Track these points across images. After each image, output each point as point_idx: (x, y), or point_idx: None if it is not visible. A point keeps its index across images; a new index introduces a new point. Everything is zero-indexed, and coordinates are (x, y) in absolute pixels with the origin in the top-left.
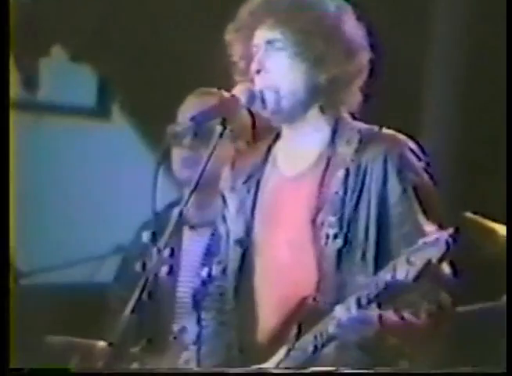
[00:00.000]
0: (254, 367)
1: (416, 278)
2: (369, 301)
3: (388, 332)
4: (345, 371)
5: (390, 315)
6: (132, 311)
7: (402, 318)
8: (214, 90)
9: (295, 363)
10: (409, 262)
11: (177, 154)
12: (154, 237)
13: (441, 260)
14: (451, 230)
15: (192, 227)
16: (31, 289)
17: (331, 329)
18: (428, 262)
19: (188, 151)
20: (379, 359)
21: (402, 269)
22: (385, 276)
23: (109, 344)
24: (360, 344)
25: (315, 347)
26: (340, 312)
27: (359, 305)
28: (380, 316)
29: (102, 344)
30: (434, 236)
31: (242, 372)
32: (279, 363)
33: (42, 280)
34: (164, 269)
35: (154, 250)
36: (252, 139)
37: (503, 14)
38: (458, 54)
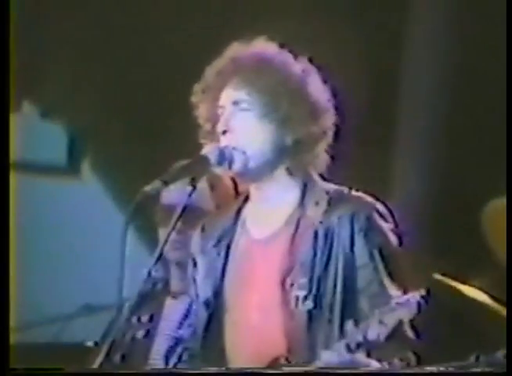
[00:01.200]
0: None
1: (388, 338)
2: (358, 347)
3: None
4: (345, 371)
5: (375, 363)
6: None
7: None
8: None
9: None
10: (381, 322)
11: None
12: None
13: (412, 320)
14: (423, 292)
15: (173, 297)
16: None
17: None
18: (399, 323)
19: (175, 234)
20: None
21: (374, 329)
22: (358, 335)
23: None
24: None
25: None
26: (329, 355)
27: (349, 349)
28: (368, 363)
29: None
30: (405, 298)
31: (242, 372)
32: None
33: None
34: (141, 333)
35: (132, 317)
36: (223, 201)
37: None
38: (431, 112)
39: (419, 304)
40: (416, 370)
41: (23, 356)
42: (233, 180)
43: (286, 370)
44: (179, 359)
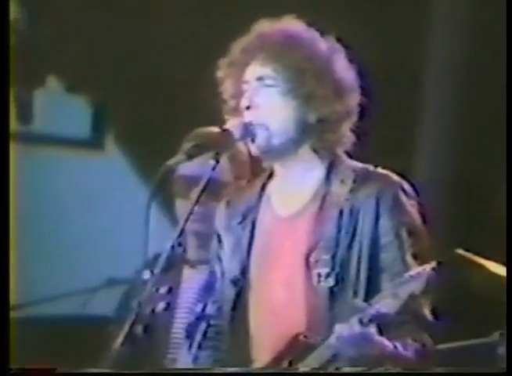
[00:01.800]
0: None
1: (399, 311)
2: (371, 321)
3: (383, 356)
4: (345, 372)
5: (386, 340)
6: (123, 344)
7: (395, 347)
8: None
9: None
10: (393, 295)
11: (182, 207)
12: (152, 273)
13: (424, 293)
14: (433, 264)
15: (191, 266)
16: (23, 321)
17: (334, 344)
18: (412, 296)
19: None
20: None
21: (387, 302)
22: (370, 309)
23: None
24: (354, 361)
25: None
26: (341, 328)
27: (361, 323)
28: (380, 337)
29: (66, 369)
30: (417, 270)
31: (242, 372)
32: None
33: (34, 311)
34: (161, 305)
35: (151, 287)
36: (248, 176)
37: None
38: (454, 93)
39: (429, 275)
40: (416, 370)
41: (47, 328)
42: (251, 156)
43: (287, 370)
44: (204, 335)
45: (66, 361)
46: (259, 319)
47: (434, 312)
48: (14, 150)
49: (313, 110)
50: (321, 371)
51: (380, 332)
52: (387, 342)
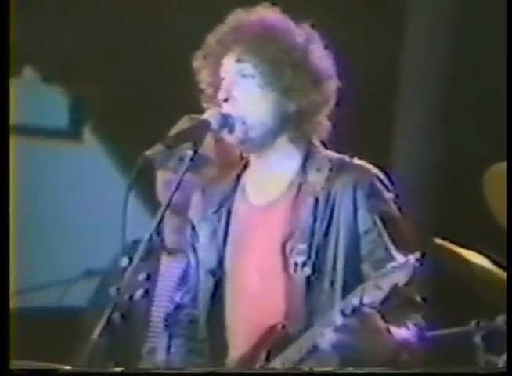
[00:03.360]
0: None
1: (383, 302)
2: (354, 312)
3: (378, 344)
4: (345, 371)
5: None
6: (100, 335)
7: (388, 330)
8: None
9: None
10: (376, 286)
11: (160, 177)
12: (130, 262)
13: (407, 284)
14: (417, 255)
15: (169, 253)
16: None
17: (312, 342)
18: (395, 287)
19: (172, 174)
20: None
21: (370, 294)
22: (353, 300)
23: (75, 368)
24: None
25: None
26: (323, 323)
27: (344, 314)
28: (387, 326)
29: (67, 368)
30: (401, 261)
31: (242, 372)
32: None
33: (12, 303)
34: (139, 292)
35: (129, 273)
36: (222, 166)
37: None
38: (435, 79)
39: (413, 267)
40: (416, 370)
41: (25, 320)
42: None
43: (287, 370)
44: (179, 324)
45: (45, 353)
46: (236, 308)
47: (421, 297)
48: None
49: (292, 102)
50: (321, 371)
51: (384, 320)
52: (379, 327)
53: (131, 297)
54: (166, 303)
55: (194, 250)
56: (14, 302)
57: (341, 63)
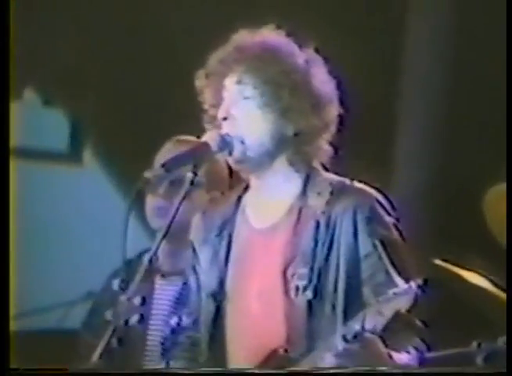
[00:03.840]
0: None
1: (385, 329)
2: (355, 338)
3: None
4: (345, 371)
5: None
6: (100, 357)
7: (390, 356)
8: (191, 138)
9: None
10: (378, 312)
11: (150, 202)
12: (125, 285)
13: (409, 311)
14: (420, 281)
15: (163, 276)
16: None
17: (315, 359)
18: (397, 313)
19: (161, 200)
20: None
21: (372, 319)
22: (354, 326)
23: (76, 369)
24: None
25: None
26: (325, 348)
27: (345, 340)
28: (388, 351)
29: (69, 369)
30: (403, 287)
31: (242, 372)
32: None
33: (13, 325)
34: (135, 317)
35: (124, 298)
36: (226, 188)
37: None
38: (433, 104)
39: (416, 294)
40: (417, 370)
41: (26, 342)
42: (230, 169)
43: (287, 370)
44: (179, 347)
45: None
46: (237, 332)
47: (422, 321)
48: None
49: (290, 124)
50: (321, 371)
51: (385, 344)
52: (380, 353)
53: (126, 322)
54: (161, 327)
55: (195, 272)
56: (13, 325)
57: (343, 90)
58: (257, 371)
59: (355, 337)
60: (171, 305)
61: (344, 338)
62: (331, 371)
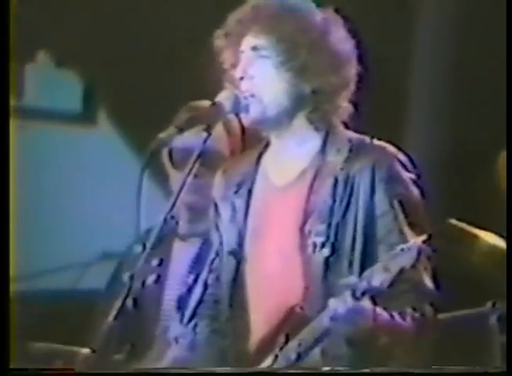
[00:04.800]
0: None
1: (391, 285)
2: (363, 294)
3: (380, 328)
4: (345, 371)
5: (381, 311)
6: (115, 318)
7: (392, 317)
8: (205, 102)
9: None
10: (385, 268)
11: (176, 179)
12: (144, 247)
13: (413, 266)
14: (424, 237)
15: (182, 239)
16: (17, 295)
17: (325, 322)
18: (402, 269)
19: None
20: (368, 363)
21: (378, 276)
22: (363, 281)
23: (93, 350)
24: (351, 340)
25: (299, 354)
26: (335, 303)
27: (354, 297)
28: (374, 309)
29: (85, 351)
30: (408, 244)
31: (241, 372)
32: None
33: (28, 286)
34: (152, 278)
35: (142, 259)
36: (243, 147)
37: (500, 20)
38: (450, 63)
39: (419, 249)
40: (417, 370)
41: (40, 302)
42: (243, 128)
43: (287, 370)
44: (201, 303)
45: (59, 336)
46: (256, 289)
47: (435, 280)
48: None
49: (307, 82)
50: (321, 371)
51: (375, 303)
52: (382, 313)
53: (143, 283)
54: (178, 286)
55: (217, 229)
56: (29, 286)
57: (362, 48)
58: (257, 371)
59: (363, 294)
60: (189, 265)
61: (354, 295)
62: (331, 371)
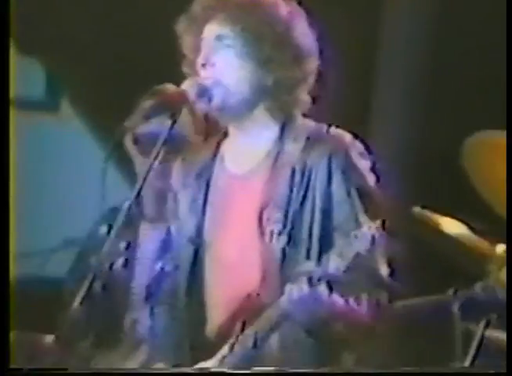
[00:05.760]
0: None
1: (346, 270)
2: (319, 280)
3: (335, 314)
4: (345, 371)
5: (337, 298)
6: (81, 303)
7: (347, 302)
8: (170, 86)
9: (237, 359)
10: (339, 254)
11: (142, 165)
12: (109, 231)
13: (370, 252)
14: (378, 223)
15: (149, 221)
16: None
17: (283, 305)
18: (357, 255)
19: (157, 164)
20: (324, 350)
21: (334, 262)
22: (318, 268)
23: (56, 337)
24: (307, 327)
25: (255, 342)
26: (291, 289)
27: (310, 283)
28: (330, 295)
29: (49, 338)
30: (362, 230)
31: (241, 372)
32: (222, 359)
33: None
34: (120, 262)
35: (108, 243)
36: (203, 135)
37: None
38: (415, 55)
39: (373, 235)
40: (417, 370)
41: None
42: (206, 116)
43: (282, 370)
44: (163, 291)
45: (25, 324)
46: (214, 277)
47: (390, 268)
48: None
49: (269, 74)
50: (321, 371)
51: (330, 290)
52: (338, 300)
53: (111, 266)
54: (146, 272)
55: (176, 217)
56: None
57: (324, 42)
58: (258, 371)
59: (318, 280)
60: (156, 250)
61: (310, 281)
62: (331, 371)
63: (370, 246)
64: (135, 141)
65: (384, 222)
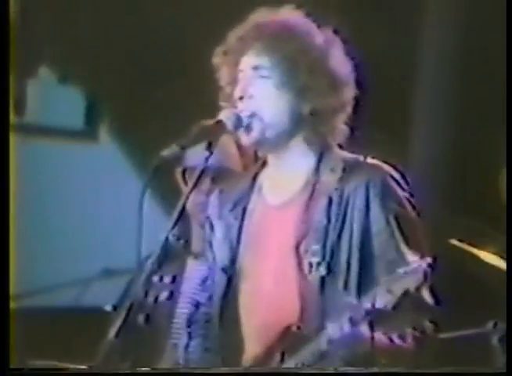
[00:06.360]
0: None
1: (395, 307)
2: (365, 317)
3: (378, 352)
4: (345, 371)
5: (380, 336)
6: (117, 335)
7: (391, 340)
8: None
9: None
10: (388, 290)
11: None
12: (156, 265)
13: (418, 289)
14: (429, 259)
15: (195, 257)
16: (17, 312)
17: (323, 344)
18: (406, 291)
19: (201, 196)
20: None
21: (382, 298)
22: (365, 304)
23: (89, 367)
24: (350, 364)
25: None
26: (332, 329)
27: (352, 323)
28: (372, 335)
29: (69, 368)
30: (413, 266)
31: (240, 372)
32: None
33: (29, 303)
34: (164, 294)
35: (155, 276)
36: (242, 165)
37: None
38: (447, 85)
39: (425, 272)
40: (417, 370)
41: (42, 319)
42: (240, 147)
43: (287, 370)
44: (196, 323)
45: (63, 354)
46: (250, 307)
47: (434, 296)
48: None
49: (307, 103)
50: (321, 371)
51: (372, 328)
52: (380, 338)
53: (156, 299)
54: (188, 304)
55: (211, 247)
56: (31, 302)
57: (361, 71)
58: (258, 371)
59: (364, 316)
60: (200, 283)
61: (351, 320)
62: (331, 371)
63: (422, 283)
64: (183, 175)
65: (435, 259)
